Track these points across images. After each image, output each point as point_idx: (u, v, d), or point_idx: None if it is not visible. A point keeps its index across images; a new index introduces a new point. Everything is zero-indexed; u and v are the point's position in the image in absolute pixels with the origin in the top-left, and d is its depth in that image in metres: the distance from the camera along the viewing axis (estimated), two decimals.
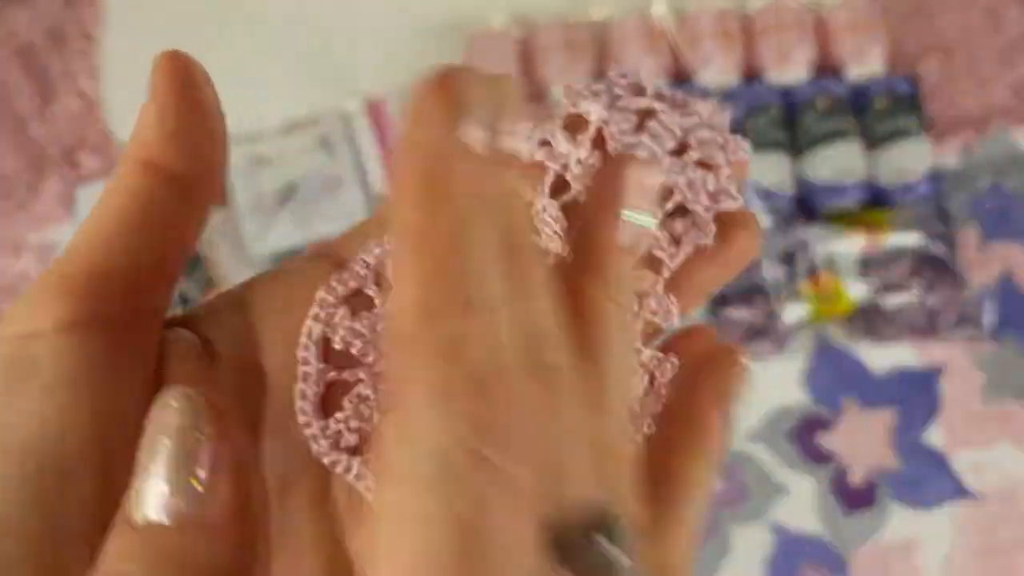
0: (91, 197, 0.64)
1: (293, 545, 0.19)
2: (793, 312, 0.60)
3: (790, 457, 0.61)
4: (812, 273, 0.61)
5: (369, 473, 0.20)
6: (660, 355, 0.22)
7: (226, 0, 0.70)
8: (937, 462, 0.60)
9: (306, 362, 0.21)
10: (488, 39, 0.67)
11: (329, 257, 0.22)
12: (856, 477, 0.60)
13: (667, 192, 0.23)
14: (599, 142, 0.23)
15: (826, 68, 0.66)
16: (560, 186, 0.23)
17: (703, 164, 0.23)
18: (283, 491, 0.19)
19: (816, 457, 0.61)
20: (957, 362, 0.62)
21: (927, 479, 0.60)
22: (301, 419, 0.20)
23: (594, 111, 0.23)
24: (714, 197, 0.23)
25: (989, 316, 0.61)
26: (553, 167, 0.23)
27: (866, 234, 0.60)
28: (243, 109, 0.64)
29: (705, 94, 0.61)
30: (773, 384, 0.62)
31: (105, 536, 0.16)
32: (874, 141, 0.63)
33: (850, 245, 0.60)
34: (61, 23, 0.75)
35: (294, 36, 0.69)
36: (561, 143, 0.23)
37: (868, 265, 0.60)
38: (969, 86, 0.66)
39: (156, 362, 0.19)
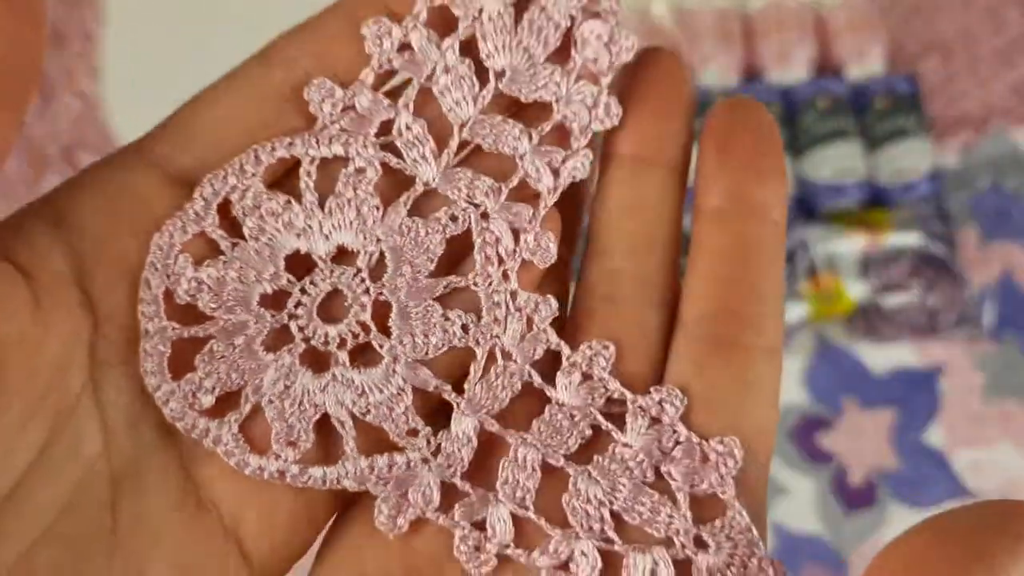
0: None
1: (139, 475, 0.18)
2: (793, 312, 0.60)
3: (790, 457, 0.61)
4: (812, 273, 0.60)
5: (228, 436, 0.19)
6: (538, 297, 0.20)
7: (226, 0, 0.70)
8: (937, 462, 0.60)
9: (147, 318, 0.19)
10: None
11: (153, 162, 0.19)
12: (856, 477, 0.60)
13: (545, 108, 0.20)
14: (471, 44, 0.20)
15: (826, 68, 0.65)
16: (427, 99, 0.20)
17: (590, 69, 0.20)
18: (126, 425, 0.18)
19: (816, 457, 0.61)
20: (957, 362, 0.62)
21: (927, 479, 0.60)
22: (149, 382, 0.18)
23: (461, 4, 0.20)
24: (594, 114, 0.20)
25: (989, 316, 0.61)
26: (416, 77, 0.20)
27: (866, 234, 0.60)
28: None
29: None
30: None
31: None
32: (874, 141, 0.63)
33: (850, 245, 0.60)
34: (61, 23, 0.75)
35: None
36: (425, 47, 0.20)
37: (868, 265, 0.60)
38: (969, 86, 0.66)
39: None
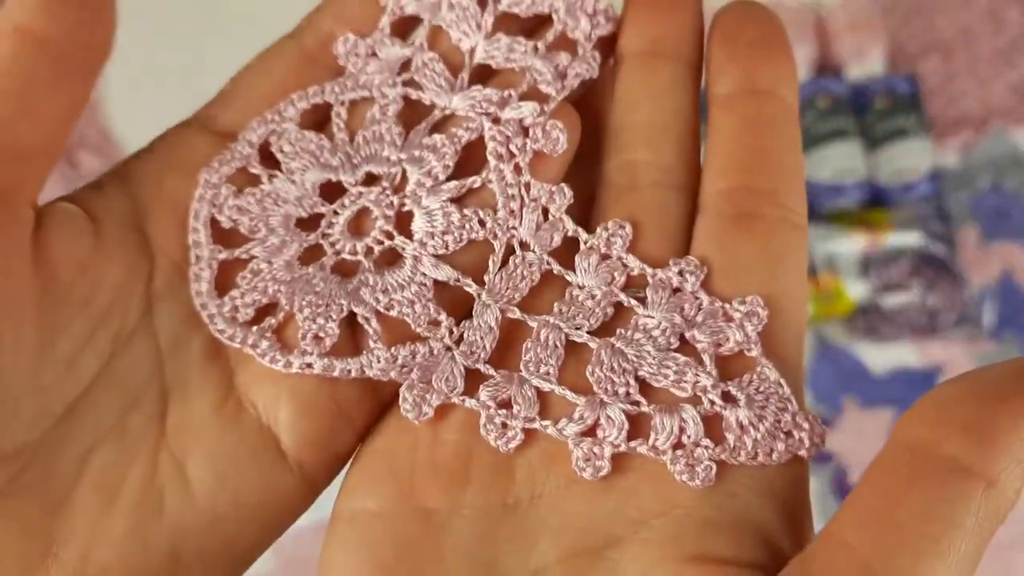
0: None
1: (185, 388, 0.20)
2: None
3: None
4: (812, 273, 0.61)
5: (263, 340, 0.20)
6: (552, 186, 0.21)
7: (226, 0, 0.70)
8: None
9: (197, 245, 0.21)
10: None
11: (201, 122, 0.22)
12: (856, 477, 0.60)
13: (546, 21, 0.22)
14: None
15: (826, 68, 0.66)
16: (439, 36, 0.23)
17: None
18: (175, 346, 0.20)
19: (816, 457, 0.61)
20: (957, 362, 0.62)
21: None
22: (197, 301, 0.20)
23: None
24: (593, 21, 0.22)
25: (989, 316, 0.61)
26: (426, 18, 0.22)
27: (866, 234, 0.60)
28: None
29: None
30: None
31: None
32: (874, 141, 0.63)
33: (850, 245, 0.60)
34: None
35: None
36: None
37: (868, 265, 0.60)
38: (969, 86, 0.66)
39: (34, 237, 0.19)
